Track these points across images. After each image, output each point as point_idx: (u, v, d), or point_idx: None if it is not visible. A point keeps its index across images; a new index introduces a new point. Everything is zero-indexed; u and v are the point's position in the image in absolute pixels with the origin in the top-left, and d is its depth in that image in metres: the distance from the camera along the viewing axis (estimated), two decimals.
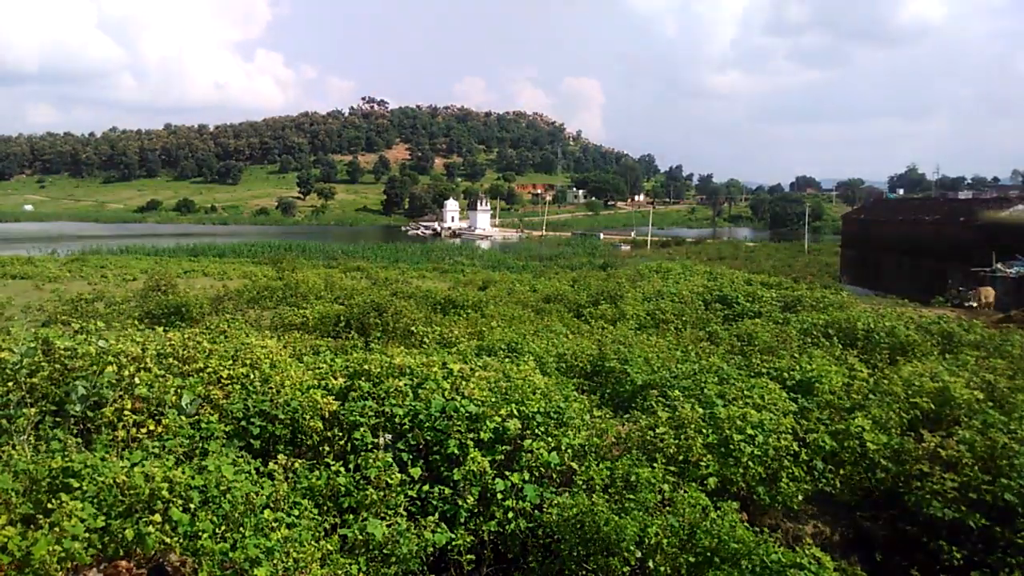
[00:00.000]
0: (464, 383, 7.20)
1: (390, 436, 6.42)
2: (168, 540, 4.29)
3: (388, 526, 5.04)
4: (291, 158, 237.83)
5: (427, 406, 6.51)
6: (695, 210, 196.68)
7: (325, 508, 5.30)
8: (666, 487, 5.90)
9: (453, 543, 5.31)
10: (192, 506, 4.48)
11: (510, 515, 5.62)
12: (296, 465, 5.49)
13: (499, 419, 6.39)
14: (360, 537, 4.92)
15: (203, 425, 5.86)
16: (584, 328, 16.04)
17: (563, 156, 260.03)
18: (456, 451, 6.09)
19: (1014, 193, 53.60)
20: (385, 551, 4.89)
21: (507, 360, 9.30)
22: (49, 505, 4.19)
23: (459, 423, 6.33)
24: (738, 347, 13.06)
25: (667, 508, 5.65)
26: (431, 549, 5.10)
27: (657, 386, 8.98)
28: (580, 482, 6.05)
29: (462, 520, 5.58)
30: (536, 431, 6.55)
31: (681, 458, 6.64)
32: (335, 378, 7.27)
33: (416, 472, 5.68)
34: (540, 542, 5.65)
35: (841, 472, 7.17)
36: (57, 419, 5.92)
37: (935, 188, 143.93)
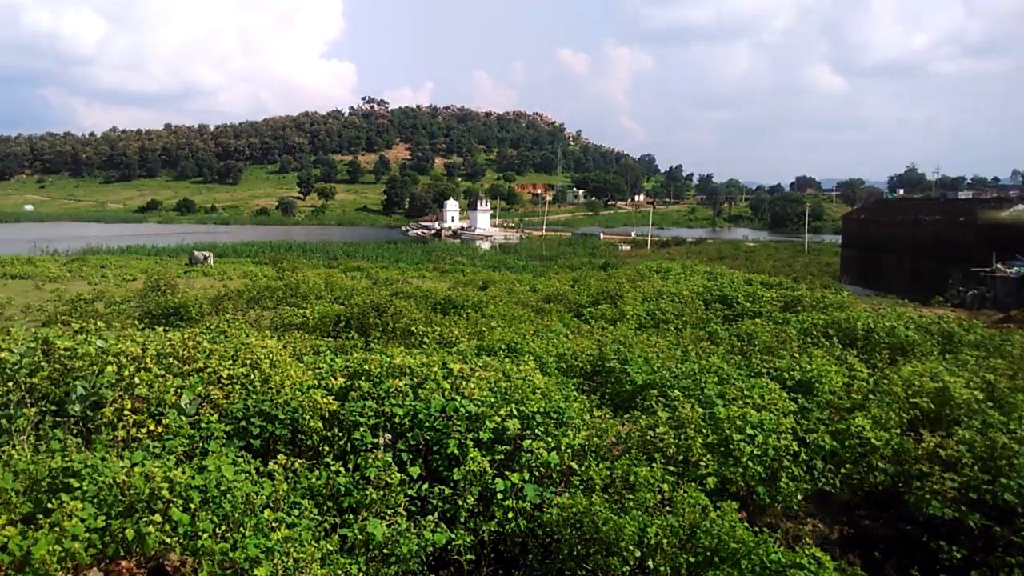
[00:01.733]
0: (464, 383, 7.20)
1: (390, 436, 6.42)
2: (168, 540, 4.29)
3: (388, 526, 5.04)
4: (291, 158, 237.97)
5: (427, 406, 6.52)
6: (695, 210, 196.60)
7: (325, 508, 5.30)
8: (666, 487, 5.90)
9: (453, 543, 5.31)
10: (192, 506, 4.48)
11: (510, 515, 5.62)
12: (296, 465, 5.50)
13: (499, 419, 6.40)
14: (360, 537, 4.92)
15: (203, 425, 5.86)
16: (584, 328, 16.04)
17: (563, 156, 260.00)
18: (456, 451, 6.09)
19: (1014, 193, 53.64)
20: (385, 551, 4.90)
21: (507, 360, 9.31)
22: (49, 505, 4.20)
23: (459, 423, 6.33)
24: (738, 347, 13.06)
25: (667, 508, 5.65)
26: (431, 549, 5.10)
27: (657, 386, 8.98)
28: (580, 482, 6.06)
29: (462, 520, 5.58)
30: (536, 431, 6.56)
31: (681, 458, 6.64)
32: (335, 378, 7.27)
33: (416, 472, 5.68)
34: (540, 542, 5.65)
35: (841, 472, 7.17)
36: (57, 419, 5.92)
37: (935, 188, 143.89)
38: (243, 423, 6.21)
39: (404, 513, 5.34)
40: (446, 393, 6.90)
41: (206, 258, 42.14)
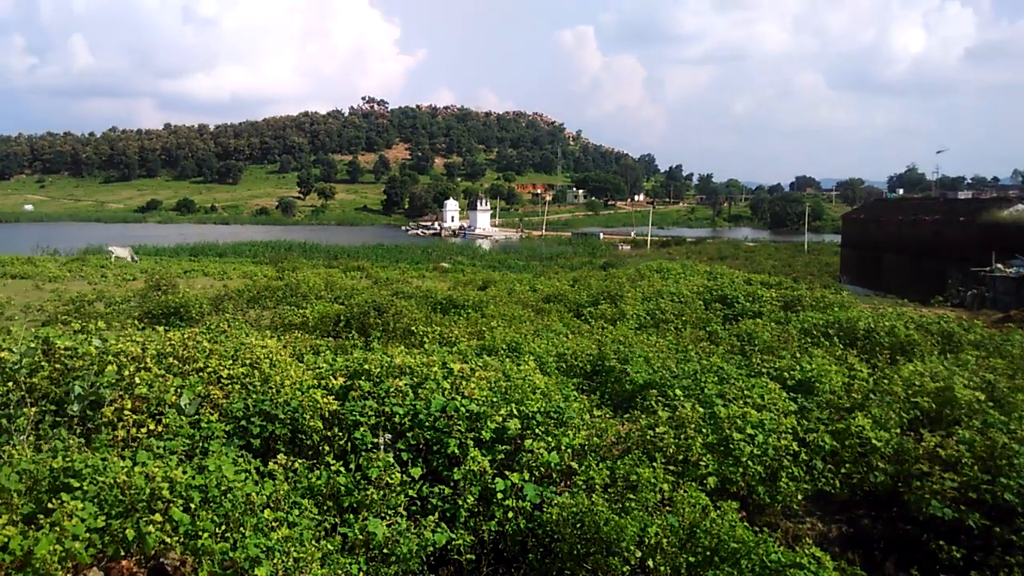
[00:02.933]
0: (464, 383, 7.20)
1: (390, 436, 6.42)
2: (168, 540, 4.29)
3: (388, 526, 5.04)
4: (291, 158, 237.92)
5: (427, 406, 6.52)
6: (695, 210, 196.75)
7: (325, 508, 5.30)
8: (666, 487, 5.91)
9: (453, 543, 5.31)
10: (192, 506, 4.48)
11: (510, 515, 5.62)
12: (296, 465, 5.50)
13: (499, 419, 6.40)
14: (360, 537, 4.92)
15: (203, 425, 5.87)
16: (584, 328, 16.04)
17: (563, 156, 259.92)
18: (456, 451, 6.09)
19: (1014, 193, 53.61)
20: (385, 551, 4.90)
21: (507, 360, 9.31)
22: (50, 505, 4.20)
23: (459, 423, 6.33)
24: (738, 347, 13.06)
25: (667, 508, 5.66)
26: (431, 549, 5.10)
27: (657, 386, 8.98)
28: (580, 482, 6.06)
29: (462, 520, 5.59)
30: (536, 431, 6.56)
31: (681, 458, 6.64)
32: (335, 378, 7.27)
33: (416, 472, 5.68)
34: (540, 542, 5.65)
35: (841, 472, 7.18)
36: (57, 419, 5.92)
37: (935, 188, 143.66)
38: (243, 423, 6.21)
39: (404, 513, 5.34)
40: (446, 393, 6.90)
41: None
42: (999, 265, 33.64)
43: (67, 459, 4.70)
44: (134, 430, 5.75)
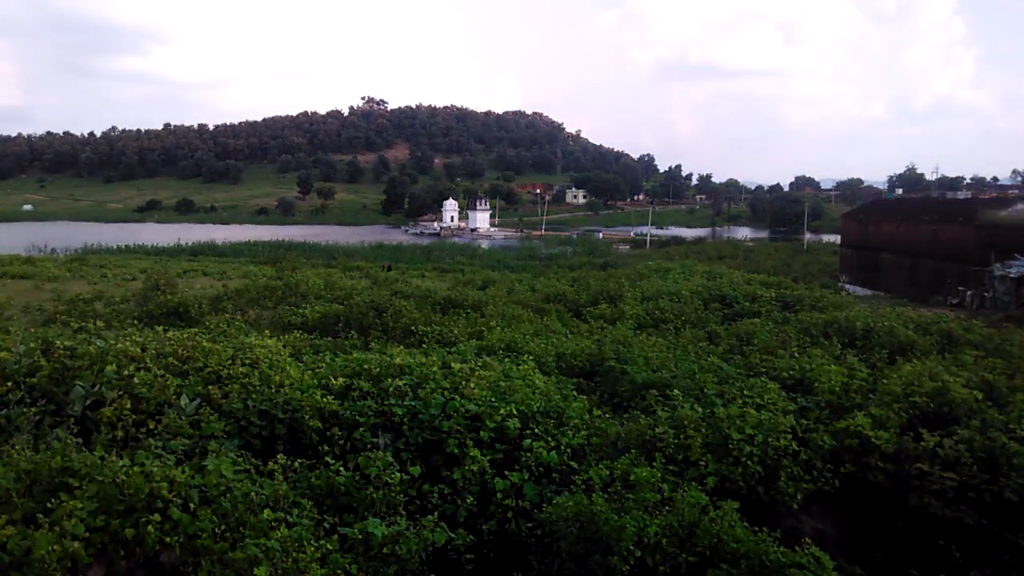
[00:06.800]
0: (464, 382, 7.20)
1: (389, 435, 6.42)
2: (168, 539, 4.29)
3: (388, 525, 5.04)
4: (291, 158, 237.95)
5: (426, 405, 6.52)
6: (695, 210, 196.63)
7: (325, 507, 5.30)
8: (665, 486, 5.90)
9: (453, 542, 5.31)
10: (192, 505, 4.48)
11: (509, 514, 5.62)
12: (296, 465, 5.50)
13: (499, 418, 6.40)
14: (360, 536, 4.92)
15: (203, 425, 5.87)
16: (583, 328, 16.04)
17: (563, 156, 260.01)
18: (456, 450, 6.09)
19: (1014, 193, 53.68)
20: (385, 550, 4.89)
21: (507, 360, 9.31)
22: (49, 504, 4.20)
23: (459, 422, 6.33)
24: (737, 346, 13.06)
25: (666, 507, 5.65)
26: (431, 548, 5.10)
27: (656, 385, 8.98)
28: (579, 481, 6.06)
29: (461, 519, 5.58)
30: (535, 431, 6.56)
31: (680, 457, 6.64)
32: (335, 378, 7.27)
33: (416, 471, 5.68)
34: (540, 542, 5.65)
35: (841, 471, 7.17)
36: (57, 419, 5.92)
37: (934, 188, 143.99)
38: (243, 423, 6.21)
39: (404, 513, 5.34)
40: (446, 393, 6.90)
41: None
42: (998, 265, 33.65)
43: (66, 459, 4.70)
44: (134, 430, 5.75)
